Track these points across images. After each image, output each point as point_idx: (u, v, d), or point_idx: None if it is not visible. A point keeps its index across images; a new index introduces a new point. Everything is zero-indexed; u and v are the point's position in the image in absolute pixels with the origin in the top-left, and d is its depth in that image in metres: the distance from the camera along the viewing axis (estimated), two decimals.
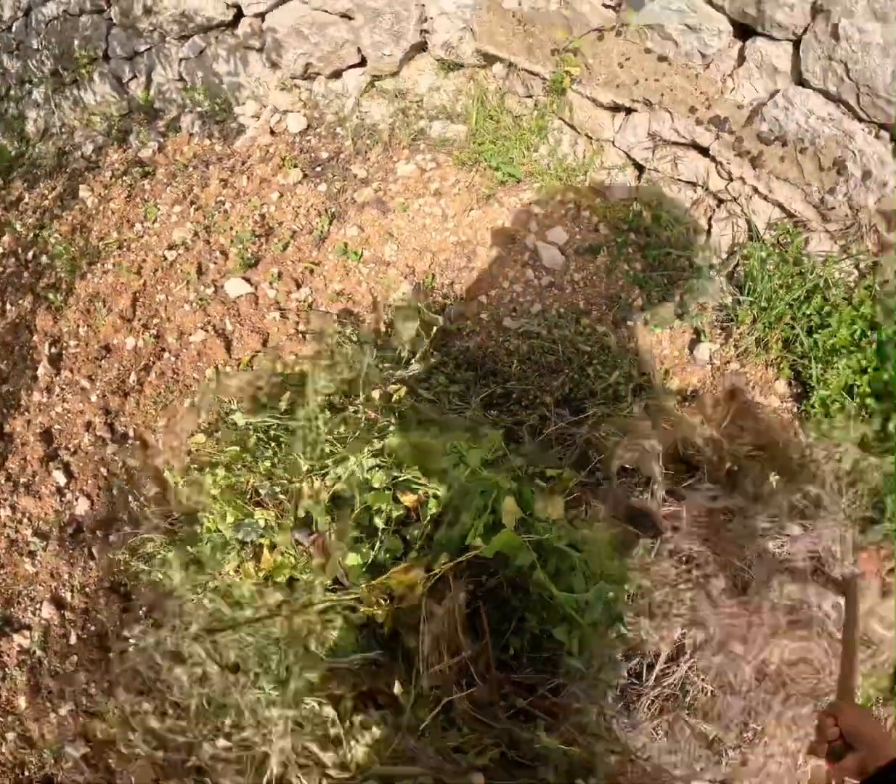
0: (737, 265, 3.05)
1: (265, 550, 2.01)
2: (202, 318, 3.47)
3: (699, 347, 3.04)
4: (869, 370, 2.62)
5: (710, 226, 3.24)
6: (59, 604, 3.28)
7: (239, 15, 4.10)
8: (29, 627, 3.31)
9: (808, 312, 2.79)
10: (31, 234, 4.57)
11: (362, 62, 4.02)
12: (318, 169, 3.96)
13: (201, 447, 2.40)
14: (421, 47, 3.90)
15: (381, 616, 1.72)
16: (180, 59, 4.42)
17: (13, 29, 5.07)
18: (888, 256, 2.69)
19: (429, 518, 1.74)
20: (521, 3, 3.53)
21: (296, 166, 3.93)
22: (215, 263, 3.63)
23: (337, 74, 4.09)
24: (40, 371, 3.77)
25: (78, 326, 3.85)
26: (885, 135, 2.64)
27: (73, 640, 3.12)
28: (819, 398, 2.69)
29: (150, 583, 2.67)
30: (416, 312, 3.12)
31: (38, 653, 3.24)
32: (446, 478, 1.77)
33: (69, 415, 3.62)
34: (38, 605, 3.33)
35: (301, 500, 1.97)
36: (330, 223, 3.64)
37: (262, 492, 2.08)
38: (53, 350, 3.86)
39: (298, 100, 4.24)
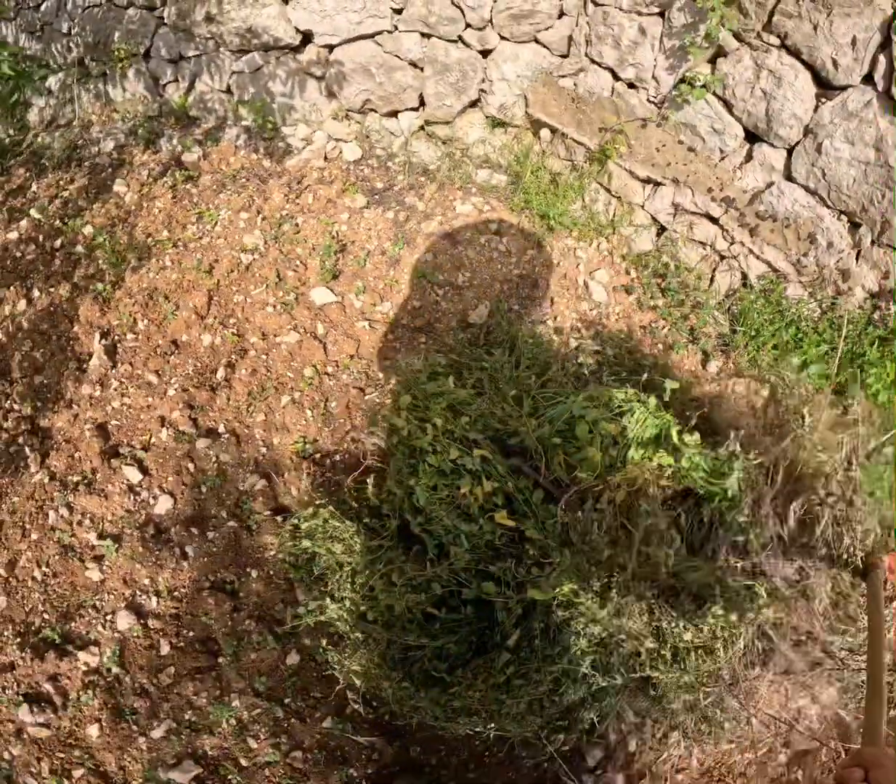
0: (732, 304, 3.38)
1: (483, 478, 1.93)
2: (288, 321, 2.93)
3: (710, 364, 3.29)
4: (829, 377, 3.03)
5: (713, 275, 3.51)
6: (137, 612, 2.49)
7: (305, 41, 3.70)
8: (96, 643, 2.50)
9: (786, 339, 3.19)
10: (56, 223, 3.57)
11: (419, 107, 3.74)
12: (377, 197, 3.53)
13: (408, 406, 2.03)
14: (475, 103, 3.76)
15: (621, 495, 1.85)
16: (232, 72, 3.75)
17: (42, 9, 3.96)
18: (844, 298, 3.17)
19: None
20: (577, 84, 3.48)
21: (357, 192, 3.46)
22: (295, 271, 3.10)
23: (393, 114, 3.81)
24: (93, 363, 2.95)
25: (135, 320, 3.08)
26: (844, 218, 3.11)
27: (165, 650, 2.41)
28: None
29: (313, 554, 2.10)
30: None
31: (115, 670, 2.49)
32: None
33: (131, 410, 2.86)
34: (108, 617, 2.57)
35: (516, 437, 1.93)
36: (402, 247, 3.24)
37: (475, 436, 1.97)
38: (105, 342, 3.00)
39: (352, 131, 3.76)
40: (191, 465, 2.79)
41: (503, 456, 2.00)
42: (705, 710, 1.86)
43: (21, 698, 2.52)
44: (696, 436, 2.00)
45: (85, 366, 3.14)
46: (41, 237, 3.72)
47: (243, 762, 2.31)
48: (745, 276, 3.36)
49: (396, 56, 3.64)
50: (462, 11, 3.39)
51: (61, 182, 4.08)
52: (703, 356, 3.26)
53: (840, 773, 0.87)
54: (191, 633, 2.51)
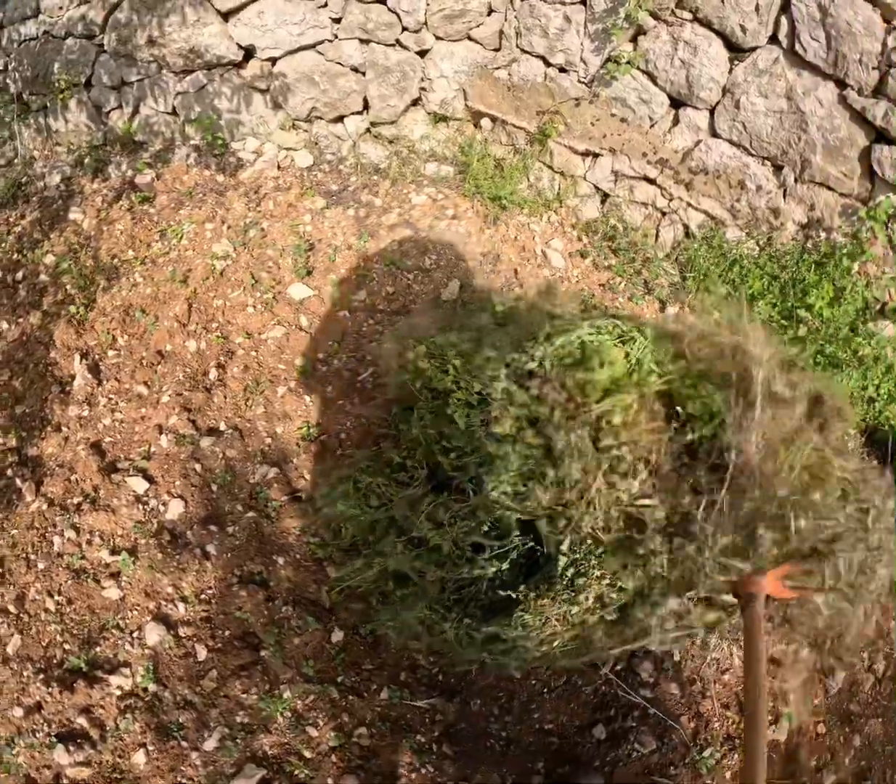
0: (679, 255, 3.73)
1: (508, 405, 2.05)
2: (271, 318, 3.06)
3: (667, 310, 3.62)
4: (777, 304, 3.37)
5: (658, 231, 3.85)
6: (165, 623, 2.46)
7: (248, 56, 3.86)
8: (127, 664, 2.43)
9: (732, 277, 3.52)
10: (13, 256, 3.60)
11: (364, 110, 3.92)
12: (334, 198, 3.70)
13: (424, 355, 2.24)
14: (416, 102, 3.99)
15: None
16: (177, 93, 3.88)
17: None
18: (778, 233, 3.52)
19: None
20: (511, 74, 3.77)
21: (315, 195, 3.63)
22: (268, 272, 3.23)
23: (338, 119, 4.00)
24: (78, 384, 2.99)
25: (114, 337, 3.14)
26: (768, 163, 3.47)
27: (202, 655, 2.38)
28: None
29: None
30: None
31: (152, 688, 2.39)
32: None
33: (124, 424, 2.90)
34: (134, 634, 2.49)
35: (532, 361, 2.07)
36: (367, 240, 3.40)
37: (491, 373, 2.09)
38: (86, 362, 3.03)
39: (300, 139, 3.94)
40: (197, 466, 2.81)
41: (520, 387, 2.13)
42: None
43: (54, 739, 2.38)
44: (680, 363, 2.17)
45: (68, 388, 3.13)
46: (0, 272, 3.72)
47: (307, 753, 2.27)
48: (687, 228, 3.70)
49: (338, 63, 3.86)
50: (398, 16, 3.64)
51: (11, 219, 4.10)
52: (660, 304, 3.57)
53: None
54: (227, 632, 2.49)
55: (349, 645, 2.43)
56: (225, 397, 2.96)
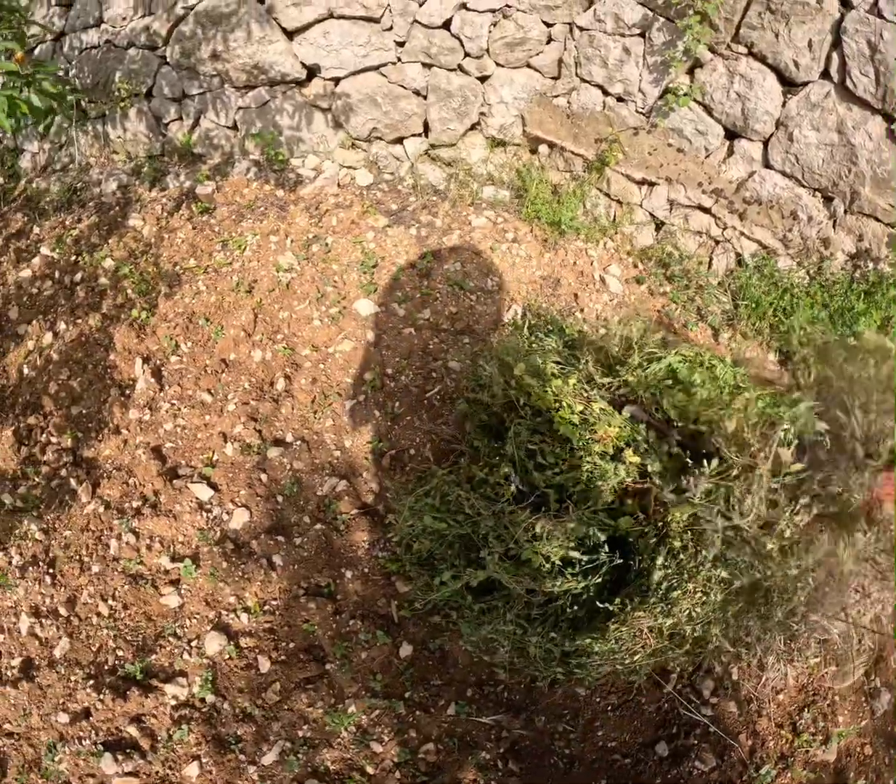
0: (731, 283, 3.89)
1: (607, 426, 2.17)
2: (338, 332, 3.14)
3: (720, 336, 3.77)
4: (826, 332, 3.50)
5: (711, 258, 4.02)
6: (226, 633, 2.47)
7: (311, 75, 4.01)
8: (183, 674, 2.44)
9: (783, 305, 3.70)
10: (72, 258, 3.68)
11: (423, 132, 4.13)
12: (394, 217, 3.85)
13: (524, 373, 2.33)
14: (475, 126, 4.20)
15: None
16: (239, 108, 4.03)
17: (35, 52, 4.14)
18: (828, 262, 3.68)
19: None
20: (570, 102, 3.96)
21: (376, 213, 3.77)
22: (334, 286, 3.34)
23: (398, 140, 4.18)
24: (140, 388, 3.04)
25: (177, 343, 3.20)
26: (819, 195, 3.67)
27: (265, 667, 2.39)
28: (800, 357, 3.48)
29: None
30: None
31: (210, 699, 2.40)
32: None
33: (186, 430, 2.95)
34: (192, 643, 2.51)
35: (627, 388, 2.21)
36: (430, 260, 3.54)
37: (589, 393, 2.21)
38: (149, 366, 3.10)
39: (360, 158, 4.11)
40: (263, 476, 2.85)
41: (615, 408, 2.23)
42: (794, 628, 2.06)
43: (101, 747, 2.38)
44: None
45: (129, 391, 3.18)
46: (57, 273, 3.80)
47: (370, 769, 2.28)
48: (739, 256, 3.87)
49: (401, 85, 4.03)
50: (461, 42, 3.82)
51: (67, 222, 4.20)
52: (712, 331, 3.72)
53: None
54: (291, 644, 2.50)
55: (417, 660, 2.46)
56: (292, 408, 3.02)
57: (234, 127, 4.36)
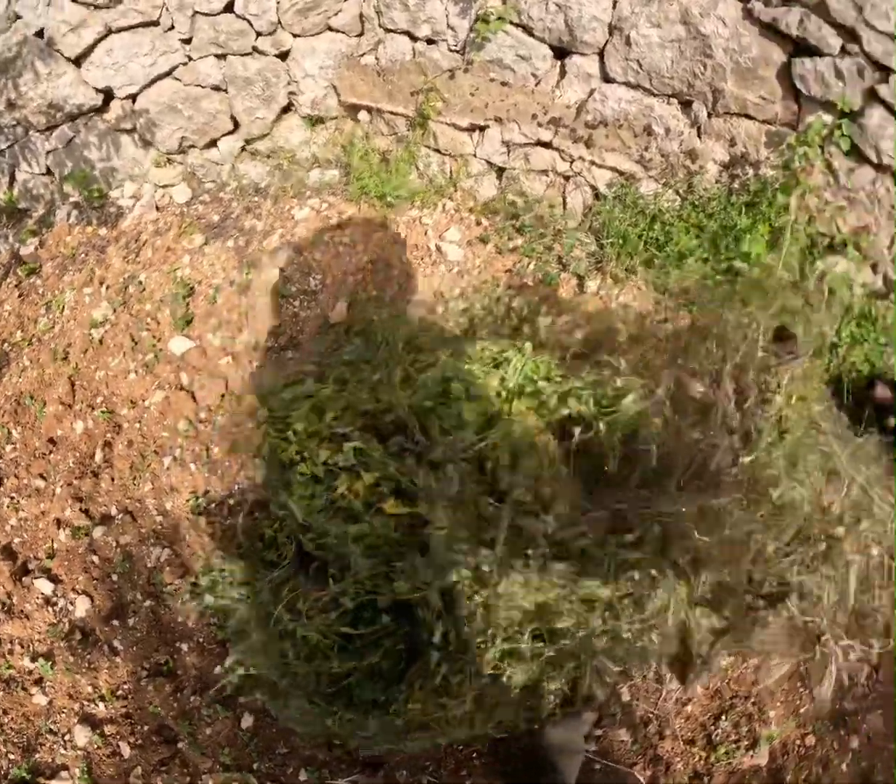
0: (592, 220, 3.37)
1: (360, 472, 1.88)
2: (152, 381, 2.94)
3: (587, 285, 3.26)
4: (709, 258, 2.97)
5: (564, 198, 3.51)
6: (91, 723, 2.47)
7: (108, 99, 3.73)
8: (64, 767, 2.49)
9: (654, 236, 3.15)
10: None
11: (235, 129, 3.82)
12: (215, 230, 3.52)
13: (267, 420, 2.00)
14: (288, 108, 3.81)
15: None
16: (47, 152, 3.82)
17: None
18: (698, 177, 3.13)
19: None
20: (379, 58, 3.55)
21: (194, 232, 3.46)
22: (147, 330, 3.10)
23: (212, 144, 3.88)
24: None
25: (9, 431, 3.08)
26: (674, 101, 3.11)
27: (127, 752, 2.39)
28: (682, 291, 3.05)
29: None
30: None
31: None
32: None
33: (28, 522, 2.89)
34: (65, 737, 2.55)
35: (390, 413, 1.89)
36: (248, 272, 3.21)
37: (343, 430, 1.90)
38: None
39: (177, 173, 3.80)
40: (95, 559, 2.75)
41: (380, 441, 1.92)
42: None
43: None
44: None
45: None
46: None
47: None
48: (595, 189, 3.37)
49: (198, 85, 3.66)
50: (248, 22, 3.41)
51: None
52: (577, 280, 3.24)
53: None
54: (145, 728, 2.47)
55: (260, 729, 2.37)
56: (112, 479, 2.87)
57: (49, 172, 4.16)
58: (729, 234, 2.90)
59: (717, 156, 3.07)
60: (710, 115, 3.01)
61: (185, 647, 2.50)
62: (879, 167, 2.85)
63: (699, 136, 3.07)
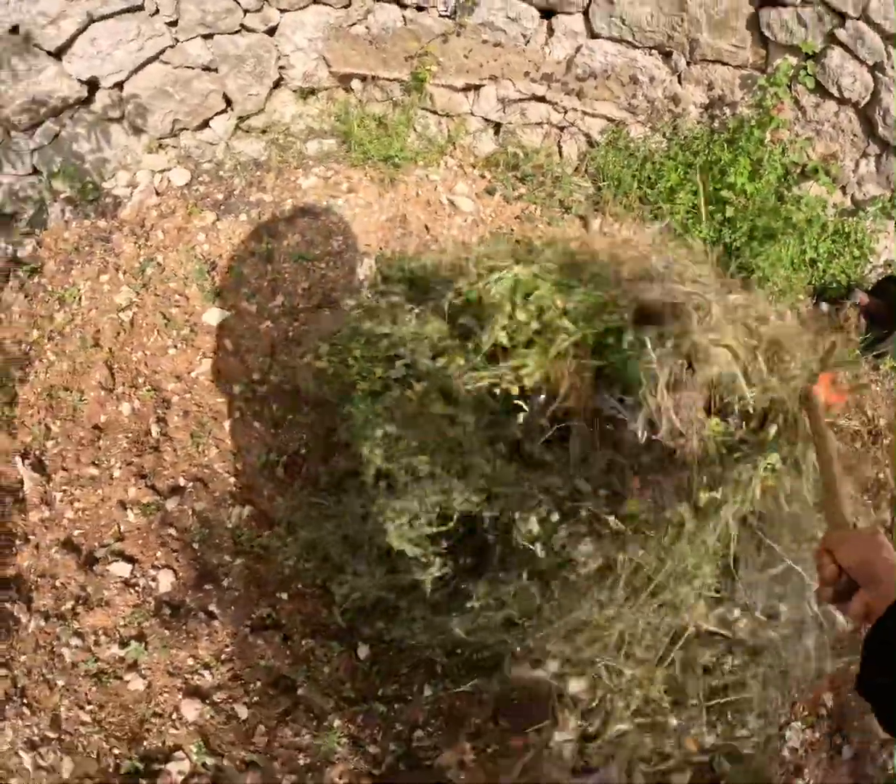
0: (587, 166, 3.66)
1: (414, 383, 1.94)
2: (195, 353, 2.95)
3: (591, 224, 3.55)
4: (698, 191, 3.29)
5: (560, 147, 3.78)
6: (198, 694, 2.47)
7: (93, 89, 3.67)
8: (178, 748, 2.45)
9: (647, 175, 3.48)
10: None
11: (227, 107, 3.85)
12: (223, 208, 3.58)
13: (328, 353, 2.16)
14: (279, 83, 3.88)
15: None
16: (32, 150, 3.76)
17: None
18: (682, 119, 3.48)
19: None
20: (369, 27, 3.68)
21: (203, 210, 3.51)
22: (178, 307, 3.13)
23: (204, 124, 3.91)
24: (28, 487, 2.93)
25: (47, 427, 3.06)
26: (655, 52, 3.43)
27: (244, 714, 2.39)
28: (676, 223, 3.38)
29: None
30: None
31: (210, 761, 2.41)
32: None
33: (87, 512, 2.83)
34: (172, 716, 2.50)
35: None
36: (268, 242, 3.29)
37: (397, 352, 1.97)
38: (29, 461, 2.99)
39: (171, 157, 3.84)
40: (171, 531, 2.74)
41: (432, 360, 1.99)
42: None
43: None
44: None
45: (21, 494, 3.09)
46: None
47: (375, 771, 2.29)
48: (588, 137, 3.65)
49: (187, 67, 3.67)
50: (236, 0, 3.45)
51: None
52: (581, 220, 3.50)
53: (817, 564, 0.91)
54: (258, 684, 2.46)
55: (378, 656, 2.41)
56: (175, 451, 2.87)
57: (35, 171, 4.10)
58: (714, 169, 3.21)
59: (697, 99, 3.42)
60: (688, 64, 3.35)
61: (285, 595, 2.52)
62: (841, 101, 3.28)
63: (680, 82, 3.40)
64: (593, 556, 1.61)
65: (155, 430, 2.94)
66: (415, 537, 1.92)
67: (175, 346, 3.14)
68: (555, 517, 1.65)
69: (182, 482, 2.82)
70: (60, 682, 2.68)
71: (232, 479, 2.74)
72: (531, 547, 1.66)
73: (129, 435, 3.00)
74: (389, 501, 1.87)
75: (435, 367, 1.82)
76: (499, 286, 1.92)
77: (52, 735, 2.64)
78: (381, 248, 3.28)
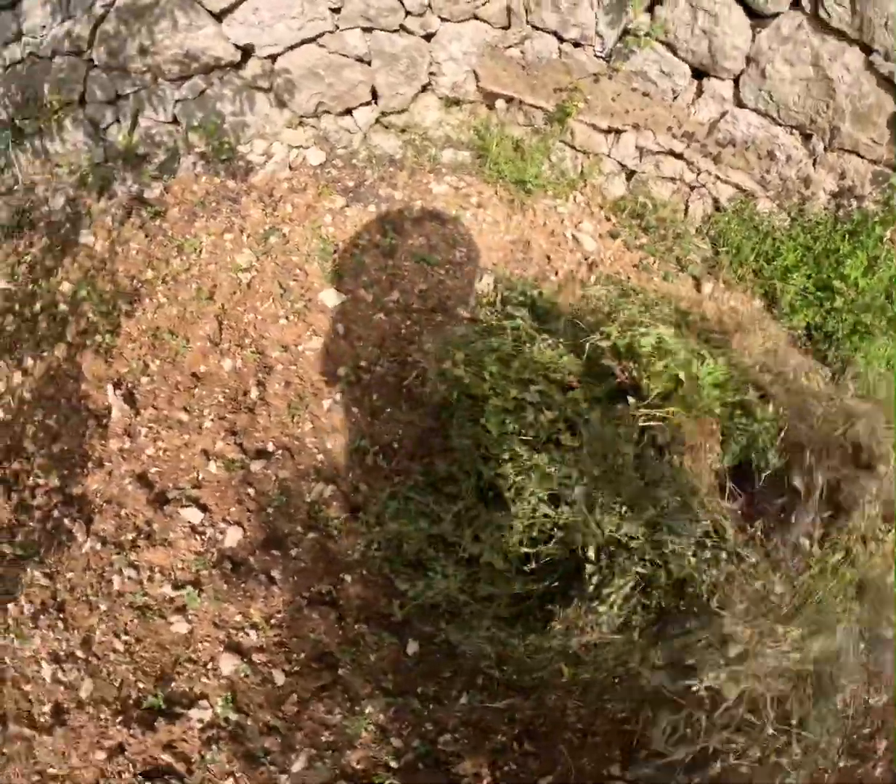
0: (710, 229, 3.79)
1: (544, 410, 2.14)
2: (305, 328, 3.08)
3: (703, 286, 3.66)
4: (812, 275, 3.47)
5: (687, 205, 3.90)
6: (239, 651, 2.53)
7: (246, 56, 3.81)
8: (204, 696, 2.52)
9: (765, 250, 3.61)
10: (29, 287, 3.67)
11: (372, 100, 3.97)
12: (352, 195, 3.72)
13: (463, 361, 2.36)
14: (426, 87, 4.02)
15: None
16: (176, 101, 3.91)
17: None
18: (810, 203, 3.62)
19: None
20: (524, 52, 3.80)
21: (332, 193, 3.65)
22: (295, 280, 3.27)
23: (347, 112, 4.02)
24: (115, 416, 3.05)
25: (145, 363, 3.18)
26: (796, 132, 3.57)
27: (280, 680, 2.44)
28: (786, 302, 3.53)
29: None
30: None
31: (233, 717, 2.46)
32: None
33: (168, 453, 2.94)
34: (208, 665, 2.56)
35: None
36: (392, 237, 3.43)
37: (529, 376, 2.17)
38: (120, 391, 3.10)
39: (309, 136, 3.98)
40: (250, 491, 2.86)
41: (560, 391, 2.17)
42: None
43: (141, 778, 2.45)
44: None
45: (106, 420, 3.19)
46: (17, 305, 3.79)
47: (393, 764, 2.35)
48: (716, 201, 3.75)
49: (342, 54, 3.81)
50: (400, 1, 3.59)
51: (19, 248, 4.16)
52: (694, 281, 3.61)
53: None
54: (302, 655, 2.55)
55: (425, 655, 2.48)
56: (270, 416, 3.00)
57: (175, 121, 4.23)
58: (831, 257, 3.34)
59: (827, 186, 3.52)
60: (826, 150, 3.46)
61: (349, 577, 2.62)
62: None
63: (814, 166, 3.52)
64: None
65: (254, 392, 3.07)
66: (508, 551, 2.05)
67: (287, 318, 3.27)
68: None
69: (271, 447, 2.94)
70: (102, 607, 2.77)
71: (320, 457, 2.86)
72: (679, 574, 1.80)
73: (227, 391, 3.13)
74: (493, 513, 2.01)
75: (606, 406, 1.97)
76: (645, 340, 2.09)
77: (80, 654, 2.73)
78: (499, 267, 3.42)
